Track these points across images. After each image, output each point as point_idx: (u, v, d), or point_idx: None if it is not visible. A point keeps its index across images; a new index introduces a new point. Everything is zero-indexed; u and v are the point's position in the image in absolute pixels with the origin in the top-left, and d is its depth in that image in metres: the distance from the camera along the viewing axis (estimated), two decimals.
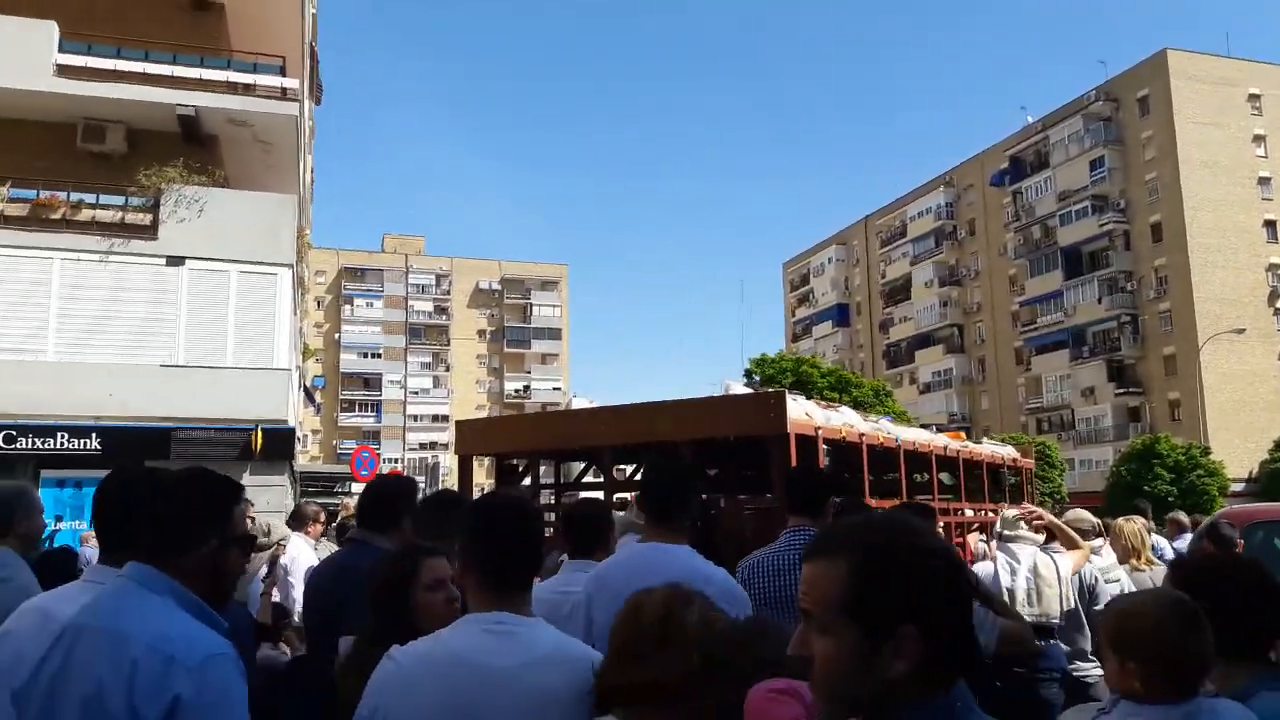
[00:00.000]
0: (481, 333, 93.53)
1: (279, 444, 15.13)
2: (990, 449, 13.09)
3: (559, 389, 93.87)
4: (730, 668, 1.85)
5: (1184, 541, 9.23)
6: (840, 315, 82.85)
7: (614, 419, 8.52)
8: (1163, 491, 41.60)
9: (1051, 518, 5.90)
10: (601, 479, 9.54)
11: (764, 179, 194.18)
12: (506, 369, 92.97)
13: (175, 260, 14.93)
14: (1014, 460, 13.70)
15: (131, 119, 16.22)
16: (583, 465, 10.83)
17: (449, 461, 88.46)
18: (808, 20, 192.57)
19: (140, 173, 15.03)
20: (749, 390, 9.52)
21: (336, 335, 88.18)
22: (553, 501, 10.26)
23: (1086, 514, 6.52)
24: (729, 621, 1.90)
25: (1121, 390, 56.06)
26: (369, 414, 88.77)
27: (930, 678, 1.26)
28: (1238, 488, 46.52)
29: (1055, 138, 61.17)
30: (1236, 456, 49.19)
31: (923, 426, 14.94)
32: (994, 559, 5.59)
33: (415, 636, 2.25)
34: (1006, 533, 6.10)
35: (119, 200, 14.98)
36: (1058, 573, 5.44)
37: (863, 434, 8.41)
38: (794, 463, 6.74)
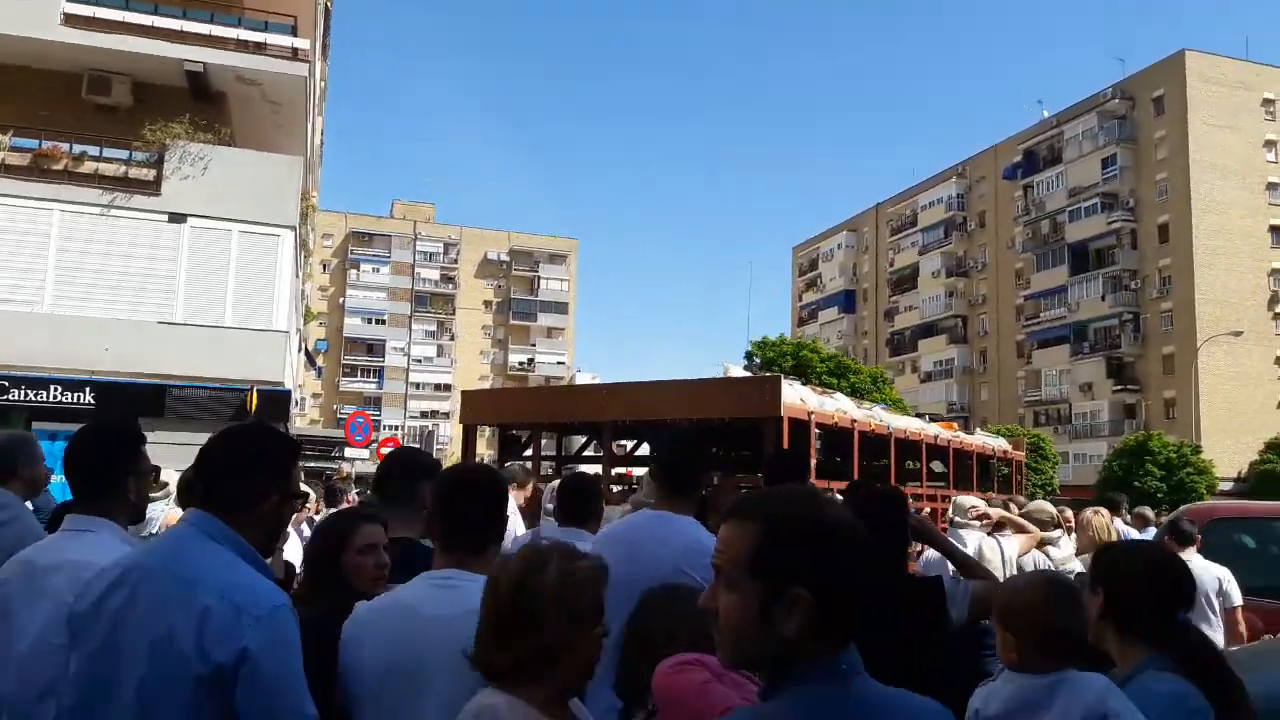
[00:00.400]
0: (488, 303, 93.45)
1: (275, 406, 15.18)
2: (981, 440, 13.30)
3: (563, 363, 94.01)
4: (598, 612, 1.86)
5: (1149, 535, 9.36)
6: (847, 301, 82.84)
7: (615, 396, 8.81)
8: (1152, 488, 41.76)
9: (1001, 512, 6.03)
10: (601, 453, 9.79)
11: (777, 163, 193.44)
12: (511, 341, 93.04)
13: (177, 217, 14.95)
14: (1005, 452, 13.80)
15: (138, 72, 16.19)
16: (584, 439, 11.08)
17: (450, 430, 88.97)
18: (828, 6, 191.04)
19: (145, 127, 15.01)
20: (747, 374, 9.70)
21: (341, 300, 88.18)
22: (551, 473, 10.34)
23: (1047, 505, 6.67)
24: (590, 568, 1.87)
25: (1119, 387, 56.07)
26: (371, 380, 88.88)
27: (821, 639, 1.35)
28: (1226, 487, 46.65)
29: (1069, 133, 60.80)
30: (1227, 456, 49.29)
31: (919, 415, 15.06)
32: None
33: (347, 596, 2.42)
34: (957, 519, 6.26)
35: (123, 154, 14.97)
36: (1002, 555, 5.59)
37: (855, 420, 8.65)
38: (786, 444, 6.98)
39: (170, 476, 5.31)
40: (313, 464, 24.05)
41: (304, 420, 70.35)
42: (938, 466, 11.56)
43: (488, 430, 10.65)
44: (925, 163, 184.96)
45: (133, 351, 14.19)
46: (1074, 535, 6.64)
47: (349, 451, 16.29)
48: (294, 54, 16.98)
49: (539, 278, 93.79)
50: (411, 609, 2.20)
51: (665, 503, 3.34)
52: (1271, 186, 55.47)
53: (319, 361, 74.51)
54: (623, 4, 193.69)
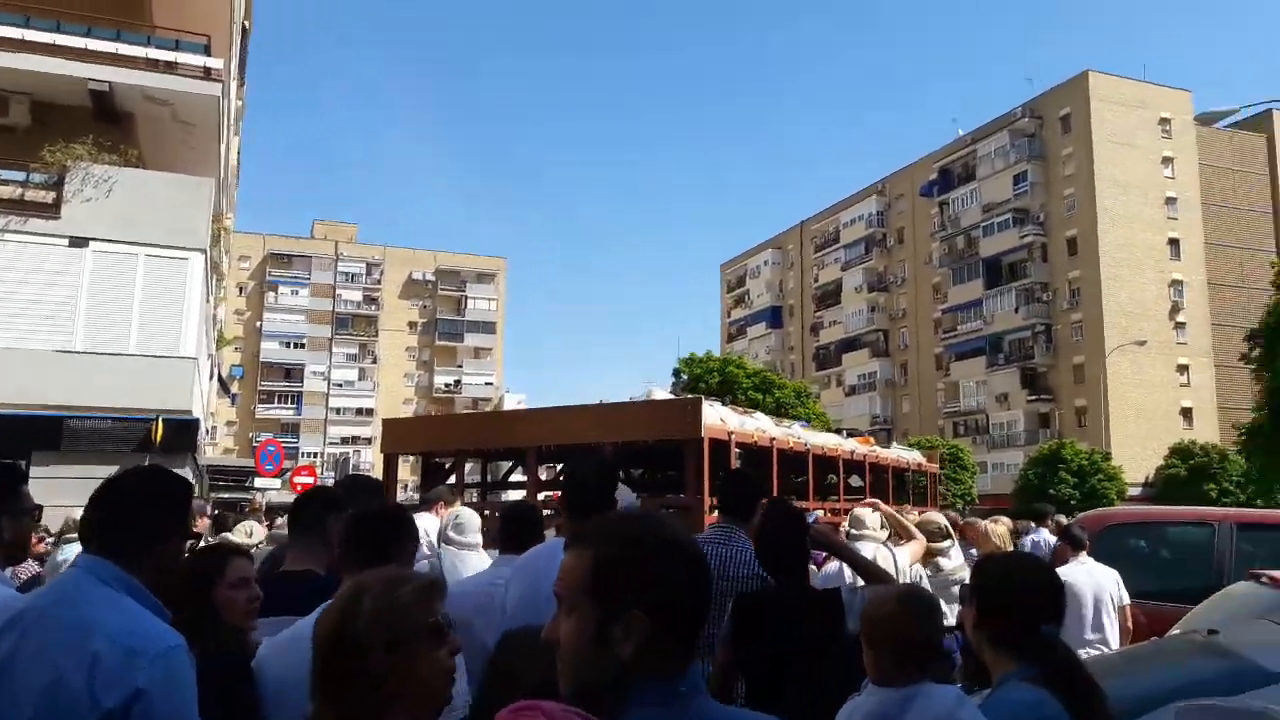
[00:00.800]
0: (413, 324, 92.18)
1: (181, 435, 14.72)
2: (896, 454, 13.96)
3: (491, 384, 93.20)
4: (433, 634, 1.66)
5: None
6: (773, 317, 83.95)
7: (539, 420, 9.01)
8: (1066, 495, 43.11)
9: (888, 509, 6.20)
10: (525, 478, 9.86)
11: (704, 181, 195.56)
12: (437, 363, 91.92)
13: (79, 241, 14.47)
14: (919, 464, 14.46)
15: (39, 91, 15.68)
16: (509, 465, 11.14)
17: (372, 457, 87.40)
18: (753, 29, 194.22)
19: (45, 148, 14.56)
20: (669, 396, 9.97)
21: (258, 323, 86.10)
22: (476, 499, 10.34)
23: (937, 516, 6.84)
24: (416, 587, 1.67)
25: (1033, 397, 57.81)
26: (289, 406, 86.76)
27: (659, 660, 1.37)
28: (1135, 492, 48.38)
29: (982, 151, 62.78)
30: (1136, 462, 51.15)
31: (839, 430, 15.59)
32: None
33: (217, 630, 2.47)
34: (854, 531, 6.40)
35: (19, 175, 14.44)
36: (895, 565, 5.73)
37: (774, 439, 8.98)
38: (707, 464, 7.23)
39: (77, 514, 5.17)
40: (226, 494, 23.41)
41: (217, 449, 68.50)
42: (855, 480, 11.98)
43: (412, 458, 10.56)
44: (847, 180, 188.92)
45: (26, 382, 13.64)
46: (966, 544, 6.85)
47: (260, 481, 15.81)
48: (206, 73, 16.62)
49: (466, 297, 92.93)
50: (305, 628, 2.16)
51: (572, 525, 3.37)
52: (1170, 201, 57.97)
53: (234, 388, 72.68)
54: (550, 26, 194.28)
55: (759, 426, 8.96)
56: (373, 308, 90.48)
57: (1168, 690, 3.49)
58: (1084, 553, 6.28)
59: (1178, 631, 5.18)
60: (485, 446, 9.53)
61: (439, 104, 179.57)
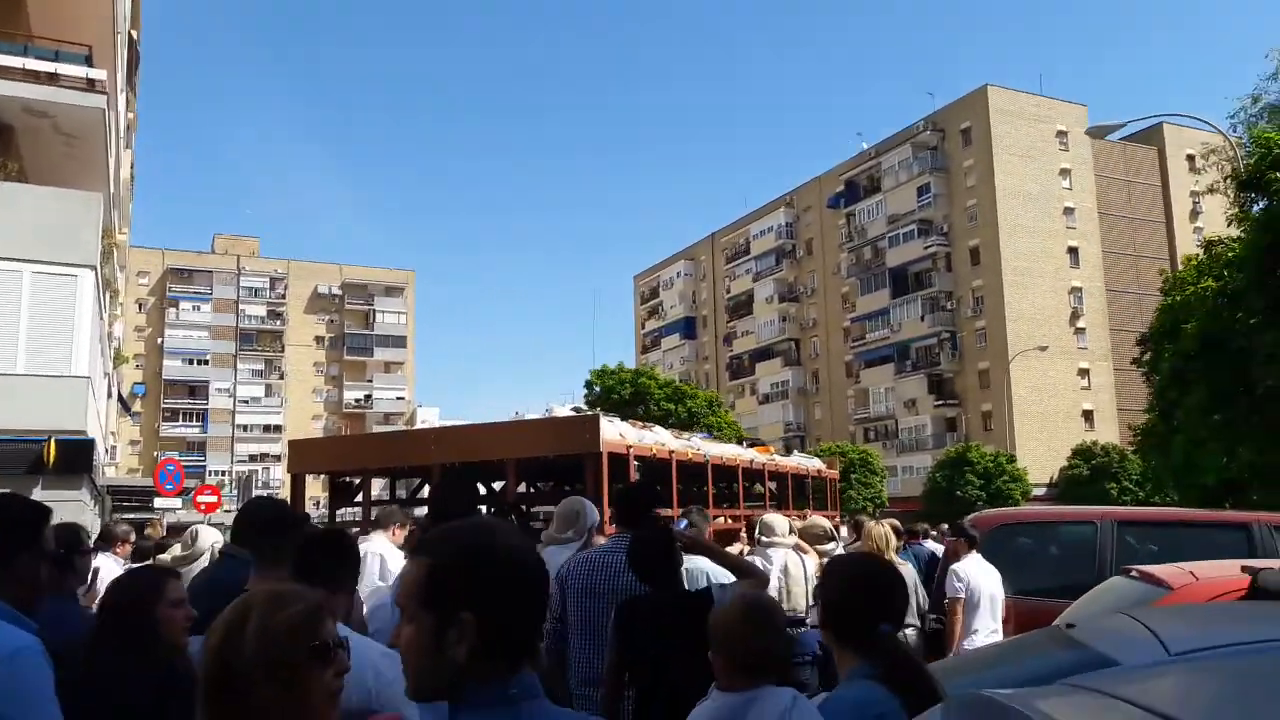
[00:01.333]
0: (320, 339, 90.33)
1: (76, 456, 14.24)
2: (796, 461, 14.37)
3: (403, 398, 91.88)
4: (319, 656, 1.66)
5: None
6: (687, 328, 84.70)
7: (445, 439, 9.23)
8: (973, 496, 44.51)
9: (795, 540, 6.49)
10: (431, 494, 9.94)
11: (617, 193, 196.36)
12: (346, 377, 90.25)
13: None
14: (819, 471, 14.86)
15: None
16: (418, 482, 11.29)
17: (281, 474, 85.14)
18: (662, 41, 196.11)
19: None
20: (571, 413, 10.21)
21: (160, 340, 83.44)
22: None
23: (822, 520, 7.16)
24: (302, 609, 1.67)
25: (940, 402, 59.54)
26: (194, 424, 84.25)
27: (491, 663, 1.44)
28: (1039, 492, 50.20)
29: (887, 164, 64.55)
30: (1040, 464, 53.08)
31: (752, 442, 15.98)
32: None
33: (157, 648, 2.61)
34: (764, 538, 6.71)
35: None
36: (805, 571, 5.98)
37: (673, 451, 9.40)
38: (606, 477, 7.60)
39: None
40: (130, 515, 22.66)
41: (120, 469, 65.98)
42: (758, 488, 12.45)
43: (323, 475, 10.67)
44: (757, 192, 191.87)
45: None
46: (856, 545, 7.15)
47: (160, 501, 15.33)
48: (90, 85, 16.10)
49: (375, 311, 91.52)
50: None
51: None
52: (1068, 211, 60.39)
53: (135, 406, 70.20)
54: (453, 33, 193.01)
55: (658, 440, 9.33)
56: (278, 323, 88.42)
57: (1013, 682, 3.69)
58: (975, 552, 6.70)
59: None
60: (393, 465, 9.70)
61: (341, 116, 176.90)
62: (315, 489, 11.65)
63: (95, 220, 15.61)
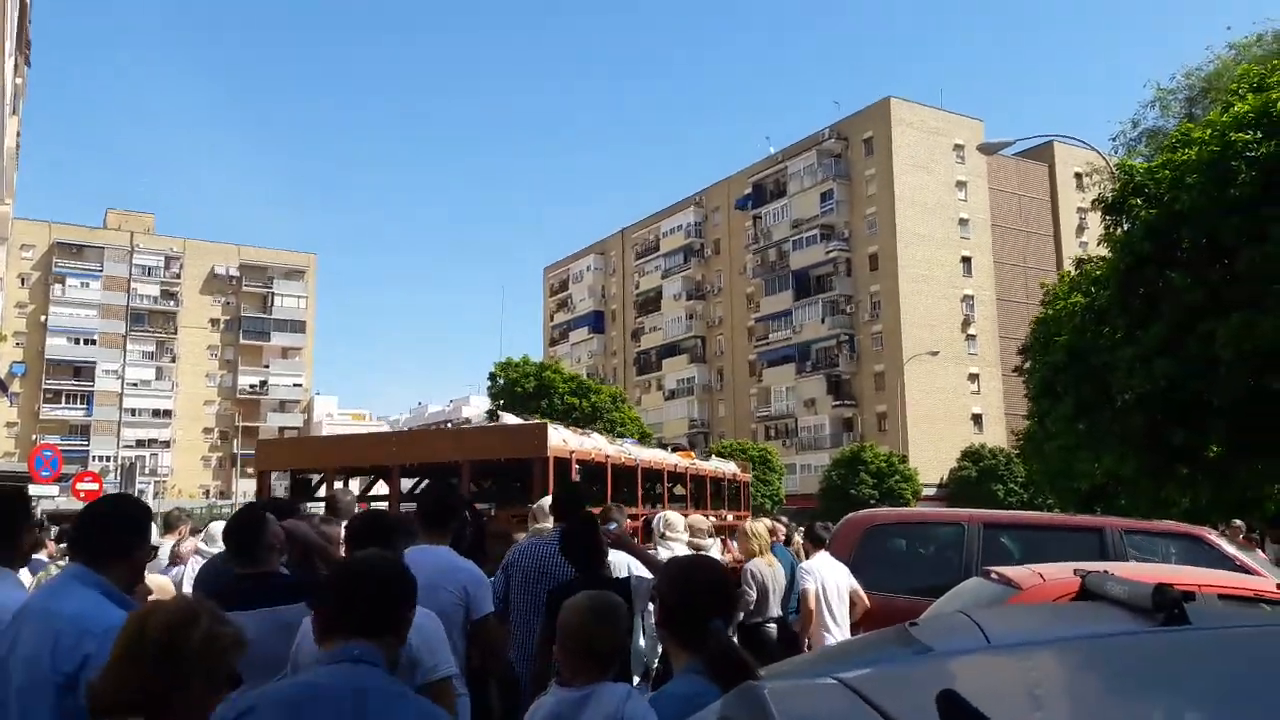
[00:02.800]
0: (215, 322, 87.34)
1: None
2: (715, 465, 15.31)
3: (300, 385, 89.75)
4: (228, 681, 2.00)
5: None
6: (596, 322, 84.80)
7: (403, 441, 10.33)
8: (866, 495, 45.80)
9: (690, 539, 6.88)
10: (386, 492, 11.11)
11: (529, 184, 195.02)
12: (242, 362, 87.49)
13: None
14: (734, 475, 15.83)
15: None
16: (370, 479, 12.16)
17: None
18: (581, 35, 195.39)
19: None
20: (519, 421, 11.46)
21: (43, 317, 79.50)
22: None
23: (702, 521, 7.51)
24: (234, 635, 2.01)
25: (838, 402, 61.03)
26: (78, 406, 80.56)
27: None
28: (930, 492, 51.94)
29: (793, 169, 65.76)
30: (931, 464, 54.84)
31: (662, 445, 17.07)
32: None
33: None
34: (667, 533, 7.01)
35: None
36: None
37: (608, 455, 10.30)
38: (552, 479, 8.33)
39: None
40: None
41: None
42: (678, 490, 13.43)
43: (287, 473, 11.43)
44: (668, 190, 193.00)
45: None
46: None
47: (36, 489, 14.74)
48: None
49: (273, 294, 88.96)
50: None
51: (424, 535, 4.21)
52: (962, 222, 62.51)
53: (14, 386, 66.88)
54: (365, 15, 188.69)
55: (596, 445, 10.22)
56: (171, 303, 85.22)
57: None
58: (822, 550, 7.18)
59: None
60: (352, 464, 10.54)
61: (246, 94, 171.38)
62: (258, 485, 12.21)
63: None
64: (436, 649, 3.07)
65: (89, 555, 2.76)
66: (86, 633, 2.51)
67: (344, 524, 4.43)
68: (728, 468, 15.72)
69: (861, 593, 7.00)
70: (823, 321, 62.13)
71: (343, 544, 4.04)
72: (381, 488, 12.73)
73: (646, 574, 4.65)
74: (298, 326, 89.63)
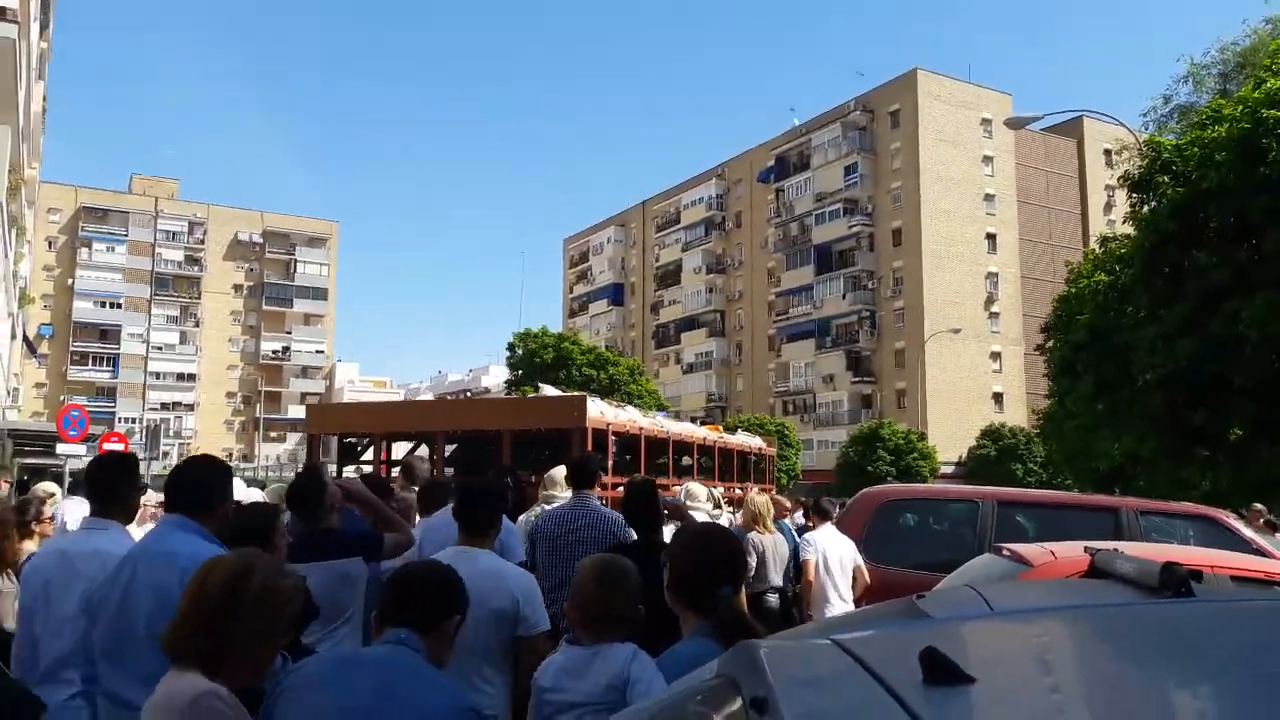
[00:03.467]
0: (238, 287, 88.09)
1: None
2: (741, 440, 15.80)
3: (322, 352, 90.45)
4: (289, 627, 2.23)
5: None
6: (615, 294, 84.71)
7: (447, 410, 11.65)
8: (883, 471, 45.70)
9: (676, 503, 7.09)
10: (433, 457, 11.74)
11: (550, 155, 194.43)
12: (264, 328, 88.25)
13: None
14: (759, 449, 16.22)
15: None
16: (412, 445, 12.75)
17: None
18: (603, 8, 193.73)
19: None
20: (558, 393, 12.25)
21: (70, 281, 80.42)
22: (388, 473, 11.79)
23: (700, 488, 7.78)
24: (292, 587, 2.22)
25: (857, 379, 60.82)
26: (104, 368, 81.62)
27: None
28: (948, 470, 51.75)
29: (817, 141, 65.15)
30: (950, 443, 54.62)
31: (702, 421, 17.68)
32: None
33: None
34: (690, 504, 7.21)
35: None
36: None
37: (642, 428, 10.86)
38: (590, 449, 8.75)
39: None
40: (32, 460, 22.01)
41: (23, 412, 63.67)
42: (706, 462, 13.89)
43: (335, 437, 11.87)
44: (690, 162, 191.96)
45: None
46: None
47: (63, 448, 15.00)
48: (1, 13, 15.48)
49: (296, 261, 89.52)
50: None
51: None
52: (988, 198, 61.81)
53: (41, 348, 67.63)
54: None
55: (631, 418, 10.79)
56: (195, 269, 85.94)
57: None
58: (829, 524, 7.40)
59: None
60: (399, 430, 11.24)
61: (271, 61, 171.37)
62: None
63: (2, 154, 15.11)
64: (537, 607, 3.66)
65: (185, 508, 3.17)
66: None
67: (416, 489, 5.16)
68: (753, 442, 16.13)
69: (864, 567, 7.15)
70: (844, 297, 61.82)
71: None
72: (423, 450, 13.51)
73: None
74: (319, 293, 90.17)
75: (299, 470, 3.31)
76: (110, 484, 3.63)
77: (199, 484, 3.22)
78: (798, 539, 7.76)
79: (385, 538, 4.18)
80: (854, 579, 7.05)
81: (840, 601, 6.86)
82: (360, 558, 3.94)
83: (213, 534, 3.12)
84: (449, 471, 10.45)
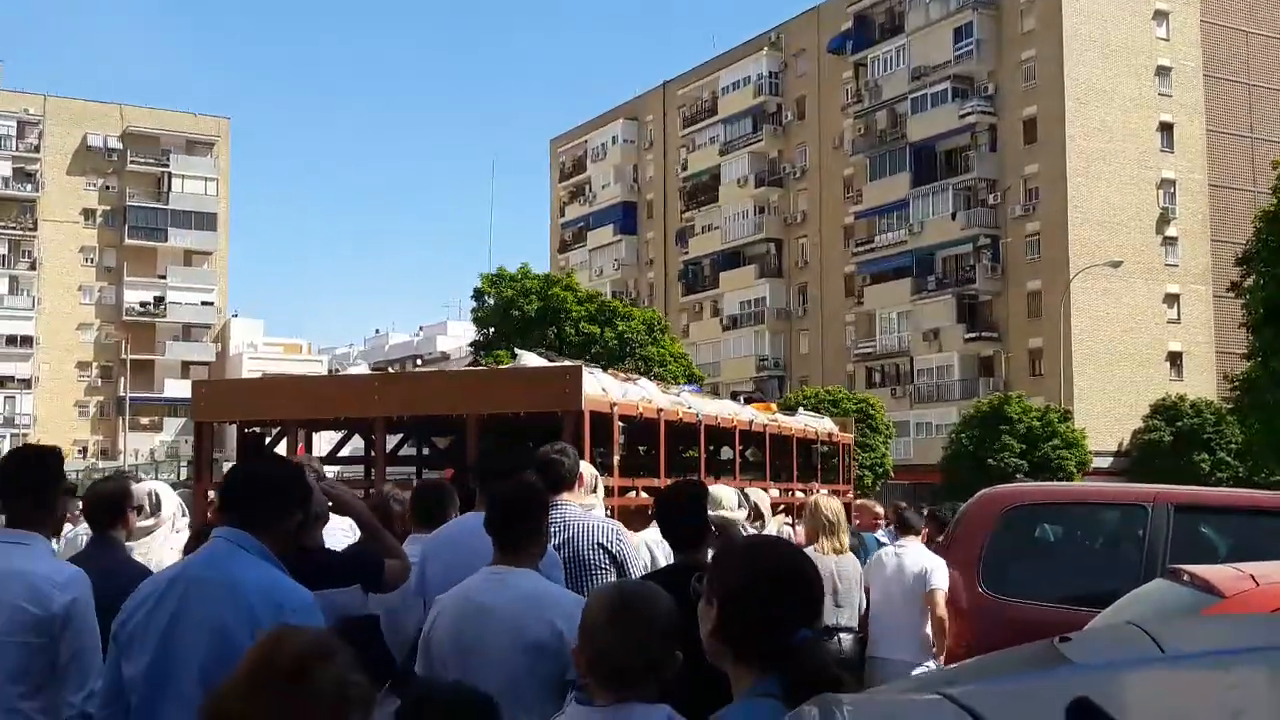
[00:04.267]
0: (89, 214, 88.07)
1: None
2: (804, 422, 15.87)
3: (210, 304, 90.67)
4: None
5: None
6: (625, 218, 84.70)
7: (390, 387, 10.99)
8: (1010, 465, 45.67)
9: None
10: (368, 454, 12.16)
11: (529, 25, 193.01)
12: (128, 271, 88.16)
13: None
14: (830, 435, 16.20)
15: None
16: (342, 436, 13.23)
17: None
18: None
19: None
20: (544, 362, 11.93)
21: None
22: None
23: (728, 490, 7.94)
24: (364, 691, 2.33)
25: (973, 335, 60.73)
26: None
27: None
28: (1103, 463, 51.58)
29: None
30: (1105, 423, 54.52)
31: (747, 399, 17.67)
32: None
33: None
34: (711, 512, 7.26)
35: None
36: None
37: (661, 409, 10.83)
38: (588, 439, 8.93)
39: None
40: None
41: None
42: (753, 455, 14.20)
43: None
44: (729, 30, 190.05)
45: None
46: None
47: None
48: None
49: (170, 175, 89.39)
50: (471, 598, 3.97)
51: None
52: (1161, 72, 61.04)
53: None
54: None
55: (644, 396, 10.85)
56: (28, 187, 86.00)
57: None
58: (916, 539, 7.82)
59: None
60: (322, 416, 11.28)
61: None
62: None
63: None
64: None
65: (245, 519, 3.54)
66: (283, 609, 3.31)
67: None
68: (823, 426, 16.22)
69: (940, 598, 7.40)
70: (953, 217, 61.55)
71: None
72: (357, 444, 13.65)
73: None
74: (206, 221, 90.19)
75: (244, 463, 3.63)
76: (37, 487, 4.02)
77: (261, 491, 3.63)
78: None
79: (385, 562, 4.43)
80: (931, 612, 7.35)
81: (907, 644, 7.21)
82: (358, 586, 4.22)
83: (277, 553, 3.51)
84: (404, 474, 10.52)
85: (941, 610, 7.32)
